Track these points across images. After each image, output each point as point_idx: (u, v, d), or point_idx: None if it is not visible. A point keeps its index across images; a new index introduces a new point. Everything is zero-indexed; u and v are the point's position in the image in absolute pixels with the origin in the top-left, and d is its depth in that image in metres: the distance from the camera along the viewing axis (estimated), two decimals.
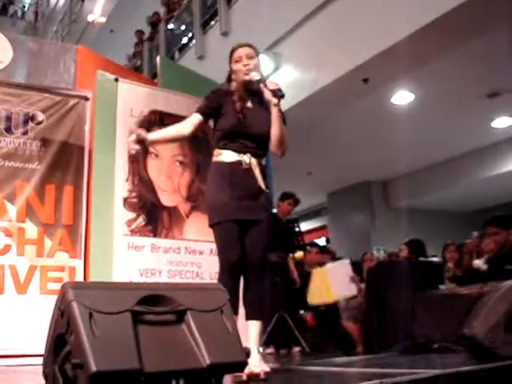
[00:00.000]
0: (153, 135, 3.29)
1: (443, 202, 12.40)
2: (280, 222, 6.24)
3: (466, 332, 3.51)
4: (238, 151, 3.20)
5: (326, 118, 8.40)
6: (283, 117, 3.27)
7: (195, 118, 3.27)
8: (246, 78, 3.25)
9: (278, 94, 3.16)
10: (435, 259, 6.33)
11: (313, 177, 11.80)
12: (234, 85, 3.34)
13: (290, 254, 6.44)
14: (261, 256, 3.21)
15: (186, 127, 3.26)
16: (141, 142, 3.16)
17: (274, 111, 3.21)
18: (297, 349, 6.12)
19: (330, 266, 6.71)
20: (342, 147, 10.03)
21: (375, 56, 6.58)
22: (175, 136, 3.37)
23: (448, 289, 5.45)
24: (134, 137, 3.16)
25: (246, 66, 3.28)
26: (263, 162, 3.32)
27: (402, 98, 8.34)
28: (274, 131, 3.24)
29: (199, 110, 3.29)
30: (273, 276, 6.03)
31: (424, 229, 9.83)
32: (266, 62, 7.79)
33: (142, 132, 3.19)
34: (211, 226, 3.20)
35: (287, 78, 7.80)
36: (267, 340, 5.92)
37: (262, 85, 3.21)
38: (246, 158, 3.19)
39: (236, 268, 3.12)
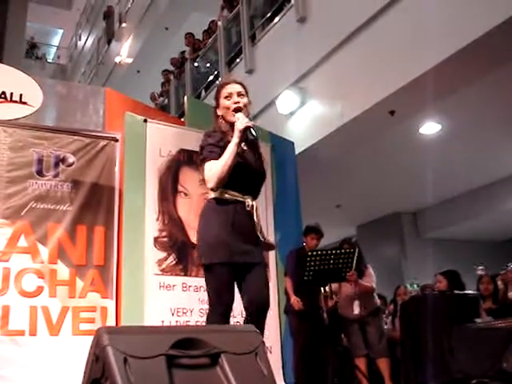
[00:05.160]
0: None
1: (473, 231, 12.21)
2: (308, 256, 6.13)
3: (504, 367, 3.44)
4: (241, 194, 3.14)
5: (353, 150, 8.39)
6: None
7: None
8: (240, 126, 3.08)
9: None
10: (470, 292, 6.18)
11: (342, 209, 11.74)
12: (223, 123, 3.25)
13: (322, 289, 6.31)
14: (267, 294, 3.13)
15: None
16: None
17: None
18: None
19: None
20: (371, 179, 9.98)
21: (401, 88, 6.57)
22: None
23: (484, 322, 5.33)
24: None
25: (236, 102, 3.18)
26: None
27: (429, 128, 8.30)
28: None
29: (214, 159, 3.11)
30: (302, 312, 5.94)
31: (454, 259, 9.66)
32: (291, 98, 7.86)
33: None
34: (207, 265, 3.08)
35: (313, 112, 7.83)
36: (296, 379, 5.81)
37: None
38: (249, 200, 3.14)
39: (230, 310, 3.04)
